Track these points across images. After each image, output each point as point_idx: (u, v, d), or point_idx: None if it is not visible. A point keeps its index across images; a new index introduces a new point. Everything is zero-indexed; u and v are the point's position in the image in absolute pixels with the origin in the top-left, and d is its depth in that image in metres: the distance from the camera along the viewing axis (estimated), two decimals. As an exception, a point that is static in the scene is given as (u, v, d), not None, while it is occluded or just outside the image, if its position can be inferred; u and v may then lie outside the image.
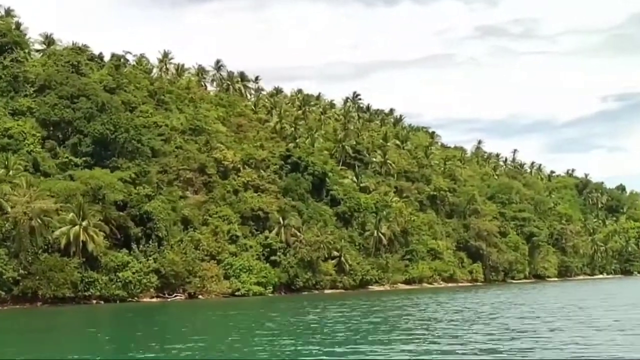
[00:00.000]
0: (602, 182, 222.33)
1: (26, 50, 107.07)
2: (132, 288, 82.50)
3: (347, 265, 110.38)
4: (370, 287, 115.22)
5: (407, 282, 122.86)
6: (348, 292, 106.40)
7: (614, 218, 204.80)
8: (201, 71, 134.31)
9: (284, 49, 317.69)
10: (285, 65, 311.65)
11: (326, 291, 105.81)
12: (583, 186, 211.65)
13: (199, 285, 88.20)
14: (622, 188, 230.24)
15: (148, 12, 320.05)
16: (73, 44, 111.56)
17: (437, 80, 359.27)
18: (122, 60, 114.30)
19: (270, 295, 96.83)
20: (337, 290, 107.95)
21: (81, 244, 78.21)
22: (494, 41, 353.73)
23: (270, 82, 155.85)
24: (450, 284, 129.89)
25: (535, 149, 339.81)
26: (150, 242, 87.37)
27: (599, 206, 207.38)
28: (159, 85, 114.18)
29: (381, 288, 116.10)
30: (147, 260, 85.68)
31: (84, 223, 78.34)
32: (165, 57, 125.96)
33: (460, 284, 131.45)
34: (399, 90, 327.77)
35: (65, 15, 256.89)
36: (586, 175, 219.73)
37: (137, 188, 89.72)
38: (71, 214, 78.55)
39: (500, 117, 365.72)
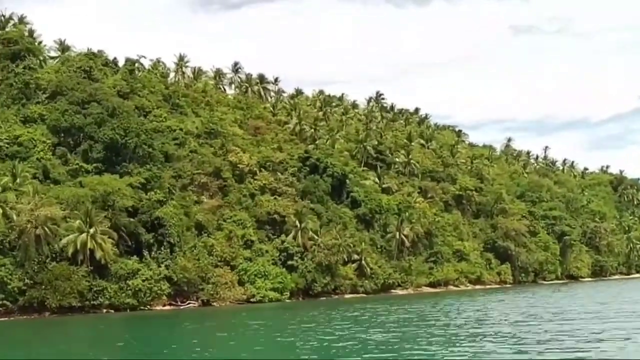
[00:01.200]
0: (639, 179, 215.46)
1: (40, 58, 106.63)
2: (143, 296, 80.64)
3: (368, 269, 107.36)
4: (393, 291, 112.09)
5: (431, 285, 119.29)
6: (369, 297, 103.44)
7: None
8: (219, 74, 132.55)
9: (313, 53, 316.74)
10: (315, 69, 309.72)
11: (346, 296, 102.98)
12: (618, 183, 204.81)
13: (212, 292, 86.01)
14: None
15: (171, 17, 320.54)
16: (88, 49, 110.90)
17: (471, 80, 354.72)
18: (136, 65, 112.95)
19: (287, 301, 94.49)
20: (358, 295, 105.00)
21: (89, 251, 76.61)
22: (528, 39, 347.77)
23: (300, 86, 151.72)
24: (477, 286, 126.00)
25: (572, 147, 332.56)
26: (162, 248, 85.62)
27: (635, 203, 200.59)
28: (174, 89, 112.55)
29: (404, 292, 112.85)
30: (159, 267, 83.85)
31: (91, 230, 76.80)
32: (181, 60, 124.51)
33: (487, 286, 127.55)
34: (431, 92, 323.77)
35: (82, 21, 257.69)
36: (621, 172, 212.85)
37: (149, 194, 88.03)
38: (78, 221, 77.06)
39: (536, 116, 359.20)
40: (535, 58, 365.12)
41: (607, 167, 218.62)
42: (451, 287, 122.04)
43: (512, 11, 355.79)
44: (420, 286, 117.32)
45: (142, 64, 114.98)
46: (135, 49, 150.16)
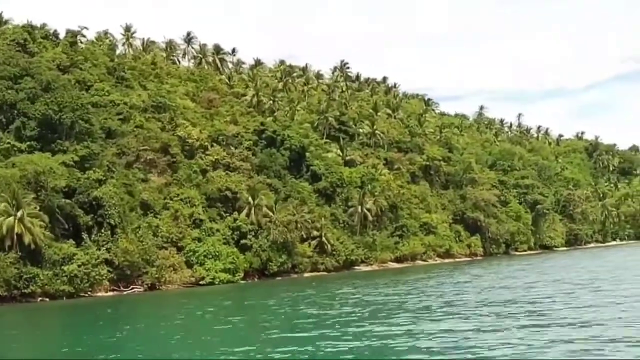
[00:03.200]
0: (615, 144, 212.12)
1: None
2: (80, 282, 75.07)
3: (329, 245, 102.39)
4: (356, 267, 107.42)
5: (397, 260, 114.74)
6: (330, 275, 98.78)
7: (627, 181, 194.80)
8: (170, 45, 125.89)
9: (297, 31, 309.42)
10: (296, 43, 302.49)
11: (306, 274, 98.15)
12: (593, 149, 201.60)
13: (156, 275, 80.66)
14: (635, 149, 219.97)
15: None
16: (28, 22, 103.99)
17: (450, 51, 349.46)
18: (78, 37, 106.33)
19: (242, 282, 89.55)
20: (319, 273, 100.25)
21: (16, 236, 70.86)
22: (508, 9, 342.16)
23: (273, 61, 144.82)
24: (446, 260, 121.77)
25: (555, 116, 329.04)
26: (103, 230, 79.91)
27: (611, 169, 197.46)
28: (118, 62, 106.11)
29: (368, 268, 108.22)
30: (99, 250, 78.25)
31: (18, 213, 70.96)
32: (128, 31, 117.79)
33: (457, 259, 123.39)
34: (410, 64, 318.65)
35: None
36: (596, 138, 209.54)
37: (87, 172, 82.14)
38: (4, 204, 71.20)
39: (519, 85, 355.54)
40: (515, 27, 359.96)
41: (582, 133, 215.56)
42: (419, 262, 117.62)
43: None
44: (386, 262, 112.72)
45: (84, 36, 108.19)
46: (83, 22, 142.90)
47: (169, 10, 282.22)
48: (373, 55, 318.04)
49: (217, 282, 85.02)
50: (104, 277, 77.23)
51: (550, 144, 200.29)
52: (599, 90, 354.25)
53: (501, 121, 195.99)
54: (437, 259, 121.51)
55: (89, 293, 76.97)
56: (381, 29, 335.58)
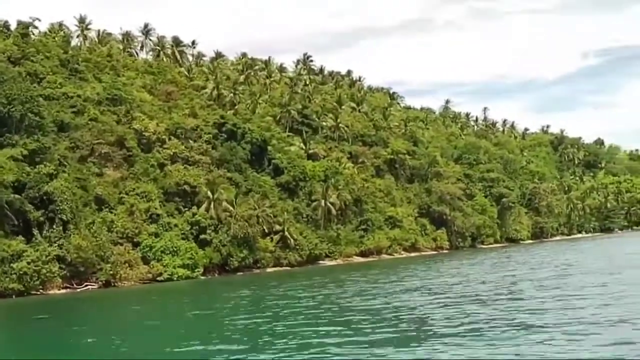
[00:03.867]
0: (580, 138, 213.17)
1: None
2: (30, 280, 71.96)
3: (292, 240, 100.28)
4: (321, 262, 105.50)
5: (362, 254, 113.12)
6: (294, 270, 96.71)
7: (592, 174, 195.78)
8: (127, 37, 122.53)
9: (260, 22, 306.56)
10: (262, 38, 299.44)
11: (268, 270, 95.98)
12: (558, 142, 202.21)
13: (111, 272, 77.77)
14: (600, 142, 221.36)
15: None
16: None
17: (418, 45, 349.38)
18: (30, 28, 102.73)
19: (202, 277, 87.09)
20: (282, 268, 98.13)
21: (-40, 233, 67.64)
22: (473, 2, 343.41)
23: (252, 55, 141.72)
24: (412, 254, 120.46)
25: (522, 110, 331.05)
26: (54, 226, 76.82)
27: (576, 162, 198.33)
28: (72, 54, 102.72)
29: (333, 262, 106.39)
30: (50, 247, 75.15)
31: (-38, 209, 67.79)
32: (82, 23, 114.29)
33: (423, 253, 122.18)
34: (380, 58, 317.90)
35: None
36: (562, 131, 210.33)
37: (38, 167, 78.93)
38: (-54, 200, 67.93)
39: (484, 79, 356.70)
40: (480, 21, 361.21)
41: (548, 127, 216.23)
42: (385, 256, 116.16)
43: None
44: (351, 256, 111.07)
45: (36, 27, 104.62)
46: (37, 13, 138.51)
47: (131, 3, 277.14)
48: (340, 49, 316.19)
49: (175, 278, 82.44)
50: (55, 275, 74.13)
51: (516, 137, 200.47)
52: (563, 85, 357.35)
53: (467, 115, 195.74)
54: (403, 252, 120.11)
55: (41, 291, 73.92)
56: (348, 21, 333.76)
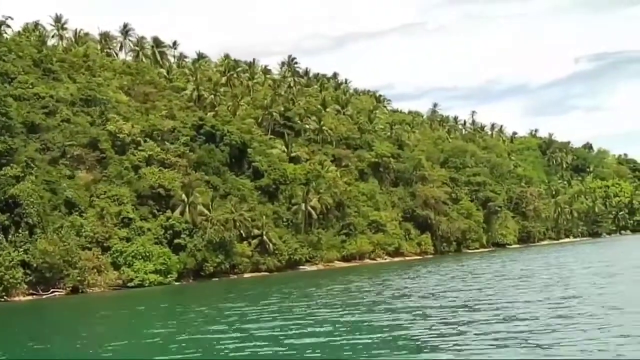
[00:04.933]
0: (569, 142, 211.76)
1: None
2: (-8, 286, 69.44)
3: (271, 245, 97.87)
4: (301, 267, 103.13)
5: (344, 259, 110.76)
6: (272, 275, 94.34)
7: (580, 178, 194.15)
8: (105, 37, 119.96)
9: (255, 24, 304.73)
10: (257, 40, 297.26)
11: (245, 275, 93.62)
12: (547, 146, 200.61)
13: (78, 277, 75.17)
14: (589, 146, 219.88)
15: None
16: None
17: (411, 49, 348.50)
18: (2, 27, 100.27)
19: (176, 283, 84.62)
20: (260, 274, 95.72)
21: None
22: (465, 6, 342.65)
23: (242, 58, 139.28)
24: (396, 258, 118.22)
25: (515, 113, 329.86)
26: (20, 230, 74.35)
27: (564, 166, 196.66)
28: (46, 53, 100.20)
29: (314, 268, 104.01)
30: (16, 251, 72.60)
31: None
32: (58, 22, 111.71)
33: (407, 258, 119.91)
34: (372, 62, 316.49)
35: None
36: (550, 135, 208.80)
37: (4, 169, 76.44)
38: None
39: (477, 83, 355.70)
40: (473, 25, 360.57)
41: (536, 130, 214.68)
42: (368, 261, 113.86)
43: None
44: (332, 261, 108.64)
45: (9, 27, 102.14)
46: (12, 12, 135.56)
47: (113, 2, 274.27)
48: (332, 52, 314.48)
49: (146, 284, 79.88)
50: (19, 281, 71.61)
51: (504, 141, 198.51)
52: (555, 89, 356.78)
53: (455, 118, 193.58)
54: (386, 257, 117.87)
55: (5, 298, 71.33)
56: (340, 24, 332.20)
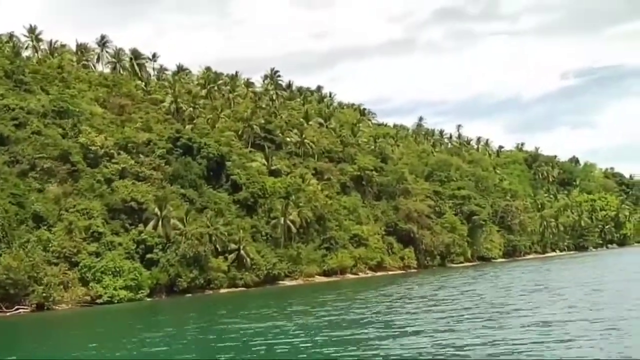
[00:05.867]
0: (555, 156, 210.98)
1: None
2: (-48, 303, 66.91)
3: (248, 259, 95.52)
4: (280, 282, 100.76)
5: (325, 273, 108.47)
6: (250, 291, 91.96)
7: (566, 192, 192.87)
8: (82, 49, 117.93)
9: (244, 42, 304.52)
10: (246, 57, 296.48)
11: (222, 291, 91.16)
12: (532, 160, 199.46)
13: (44, 294, 72.61)
14: (575, 160, 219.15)
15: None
16: None
17: (400, 65, 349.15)
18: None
19: (148, 300, 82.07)
20: (237, 289, 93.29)
21: None
22: (452, 24, 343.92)
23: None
24: (379, 273, 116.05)
25: (501, 129, 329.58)
26: (-16, 245, 71.97)
27: (550, 180, 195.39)
28: (18, 65, 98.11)
29: (293, 283, 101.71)
30: (-22, 267, 70.11)
31: None
32: (32, 33, 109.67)
33: (390, 272, 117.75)
34: (362, 78, 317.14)
35: None
36: (537, 149, 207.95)
37: (-31, 182, 74.22)
38: None
39: (464, 98, 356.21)
40: (460, 42, 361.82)
41: (522, 144, 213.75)
42: (349, 276, 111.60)
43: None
44: (312, 275, 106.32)
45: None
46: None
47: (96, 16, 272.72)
48: (322, 69, 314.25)
49: (116, 301, 77.34)
50: (-20, 297, 69.06)
51: (490, 155, 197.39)
52: (542, 105, 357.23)
53: (440, 132, 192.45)
54: (368, 272, 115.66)
55: (-33, 315, 68.79)
56: (330, 41, 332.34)
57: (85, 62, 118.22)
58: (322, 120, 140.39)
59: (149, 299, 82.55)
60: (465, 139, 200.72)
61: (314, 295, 71.90)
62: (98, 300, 77.09)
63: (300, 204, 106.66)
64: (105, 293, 77.28)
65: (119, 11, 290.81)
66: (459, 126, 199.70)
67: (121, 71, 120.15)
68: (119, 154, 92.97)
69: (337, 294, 68.26)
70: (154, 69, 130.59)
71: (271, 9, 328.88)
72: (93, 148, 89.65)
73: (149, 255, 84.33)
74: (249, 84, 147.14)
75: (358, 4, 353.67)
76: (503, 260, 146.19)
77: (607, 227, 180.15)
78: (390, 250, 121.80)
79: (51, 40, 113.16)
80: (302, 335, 35.60)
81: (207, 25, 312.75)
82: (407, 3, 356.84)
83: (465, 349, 26.64)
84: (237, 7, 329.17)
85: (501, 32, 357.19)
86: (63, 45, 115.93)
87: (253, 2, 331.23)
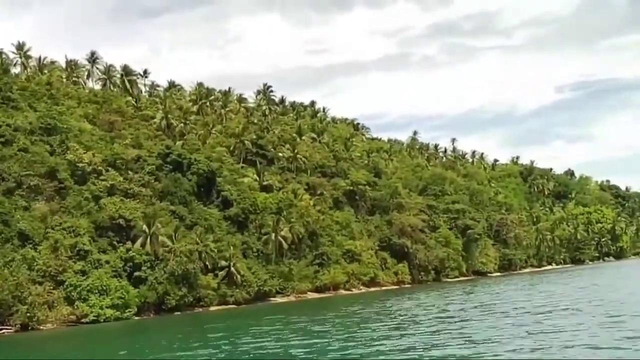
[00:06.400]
0: (551, 169, 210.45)
1: None
2: None
3: (239, 276, 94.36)
4: (272, 299, 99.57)
5: (318, 290, 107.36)
6: (240, 308, 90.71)
7: (562, 205, 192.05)
8: (71, 65, 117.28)
9: (240, 59, 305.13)
10: (241, 73, 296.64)
11: (212, 308, 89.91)
12: (528, 173, 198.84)
13: (27, 314, 71.37)
14: (570, 173, 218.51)
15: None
16: None
17: (396, 80, 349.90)
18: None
19: (135, 318, 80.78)
20: (227, 307, 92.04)
21: None
22: (447, 39, 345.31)
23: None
24: (372, 288, 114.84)
25: (497, 143, 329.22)
26: (-32, 265, 70.85)
27: (546, 193, 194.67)
28: (5, 81, 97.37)
29: (285, 299, 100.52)
30: (-37, 287, 68.97)
31: None
32: (21, 49, 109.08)
33: (384, 287, 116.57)
34: (358, 93, 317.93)
35: None
36: (532, 162, 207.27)
37: (-47, 201, 73.21)
38: None
39: (460, 112, 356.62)
40: (455, 57, 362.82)
41: (517, 158, 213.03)
42: (342, 292, 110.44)
43: (432, 12, 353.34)
44: (304, 292, 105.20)
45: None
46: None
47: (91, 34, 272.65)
48: (318, 84, 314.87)
49: (102, 320, 76.11)
50: (-37, 318, 67.85)
51: (485, 168, 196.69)
52: (537, 119, 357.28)
53: (435, 146, 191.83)
54: (362, 287, 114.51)
55: (-50, 336, 67.54)
56: (325, 57, 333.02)
57: (75, 79, 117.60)
58: (315, 135, 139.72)
59: (136, 318, 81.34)
60: (460, 153, 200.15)
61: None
62: (84, 320, 75.84)
63: (292, 220, 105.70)
64: (92, 312, 76.02)
65: (113, 30, 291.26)
66: (453, 140, 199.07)
67: (112, 88, 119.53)
68: (107, 170, 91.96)
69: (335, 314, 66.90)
70: (145, 85, 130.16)
71: (267, 27, 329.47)
72: (81, 165, 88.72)
73: (137, 273, 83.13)
74: (241, 99, 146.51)
75: (353, 19, 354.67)
76: (498, 274, 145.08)
77: (603, 239, 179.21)
78: (383, 266, 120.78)
79: (40, 57, 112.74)
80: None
81: (202, 43, 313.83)
82: (402, 18, 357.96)
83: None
84: (233, 25, 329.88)
85: (495, 46, 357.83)
86: (52, 62, 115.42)
87: (249, 20, 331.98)
